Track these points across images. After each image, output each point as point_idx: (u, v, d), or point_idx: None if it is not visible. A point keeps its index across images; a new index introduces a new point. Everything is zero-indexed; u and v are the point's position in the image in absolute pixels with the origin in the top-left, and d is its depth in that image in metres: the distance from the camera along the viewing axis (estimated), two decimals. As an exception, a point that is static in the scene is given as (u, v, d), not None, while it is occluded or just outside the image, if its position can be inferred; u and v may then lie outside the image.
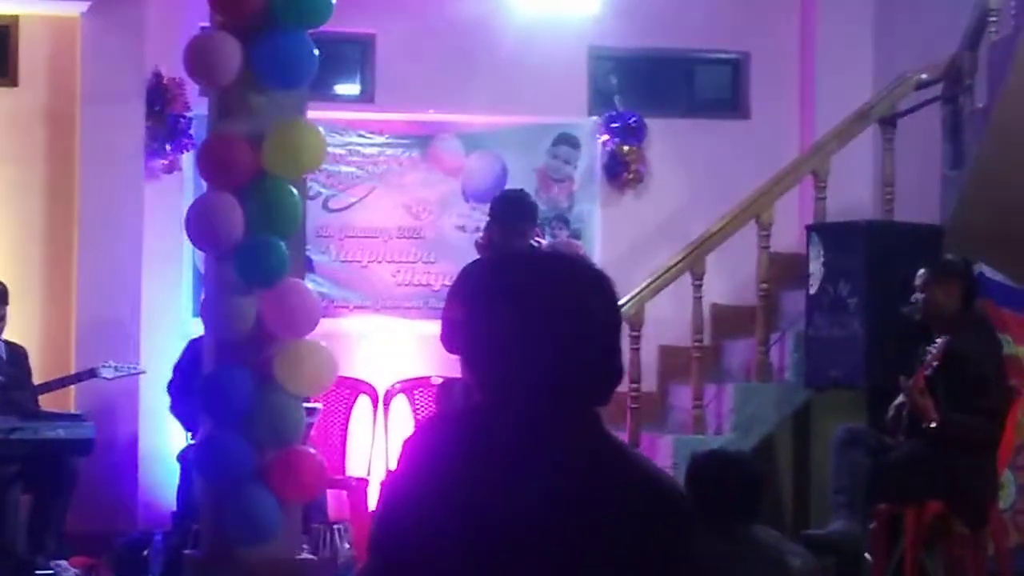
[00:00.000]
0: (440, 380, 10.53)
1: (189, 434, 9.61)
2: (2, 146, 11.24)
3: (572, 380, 3.01)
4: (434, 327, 10.15)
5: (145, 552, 9.90)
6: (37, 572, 9.07)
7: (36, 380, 10.13)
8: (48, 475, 9.33)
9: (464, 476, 3.01)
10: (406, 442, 3.24)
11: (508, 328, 3.05)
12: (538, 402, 3.01)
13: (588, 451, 3.01)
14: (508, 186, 11.41)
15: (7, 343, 10.02)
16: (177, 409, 9.88)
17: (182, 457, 9.56)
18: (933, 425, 8.66)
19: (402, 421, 11.15)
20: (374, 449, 11.11)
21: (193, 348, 9.34)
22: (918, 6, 11.89)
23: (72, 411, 10.12)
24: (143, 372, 10.65)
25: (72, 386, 10.42)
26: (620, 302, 8.61)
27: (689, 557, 3.05)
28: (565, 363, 3.01)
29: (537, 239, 10.00)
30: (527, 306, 3.05)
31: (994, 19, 10.39)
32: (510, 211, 9.56)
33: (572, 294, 3.07)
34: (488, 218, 9.80)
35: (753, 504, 6.39)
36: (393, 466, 9.99)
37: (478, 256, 9.68)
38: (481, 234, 9.93)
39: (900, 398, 8.88)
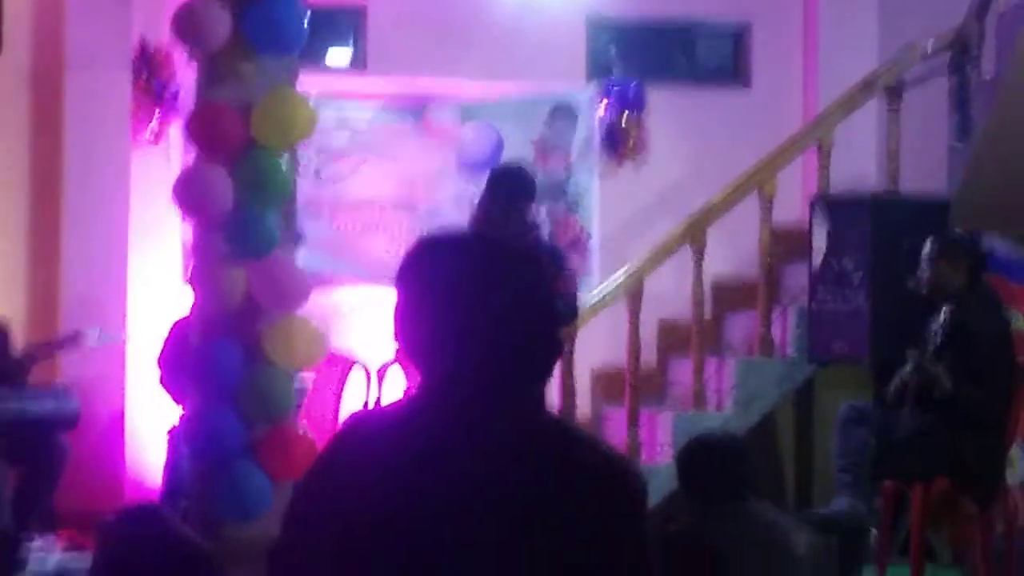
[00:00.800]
0: None
1: (180, 408, 9.36)
2: None
3: (508, 360, 3.03)
4: None
5: None
6: (23, 546, 9.05)
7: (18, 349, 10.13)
8: (34, 450, 9.33)
9: (401, 465, 3.01)
10: (337, 434, 3.27)
11: (441, 313, 3.06)
12: (475, 385, 3.03)
13: (528, 432, 3.02)
14: (505, 157, 11.42)
15: None
16: (167, 383, 9.74)
17: (171, 432, 9.53)
18: (941, 395, 8.64)
19: (395, 393, 11.01)
20: None
21: (182, 322, 9.12)
22: None
23: (58, 385, 10.11)
24: (124, 338, 10.71)
25: (58, 360, 10.51)
26: (616, 277, 9.81)
27: (639, 534, 3.02)
28: (499, 344, 3.03)
29: (534, 218, 10.04)
30: (458, 290, 3.07)
31: None
32: (508, 187, 9.64)
33: (502, 274, 3.09)
34: (483, 190, 9.83)
35: (738, 481, 6.43)
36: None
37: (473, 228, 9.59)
38: (476, 209, 9.92)
39: (907, 367, 8.82)
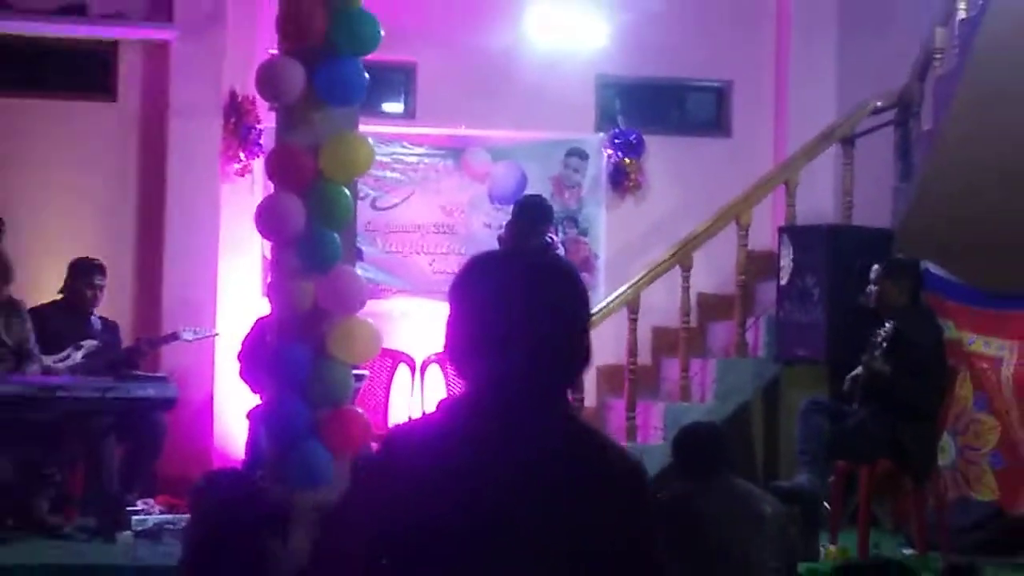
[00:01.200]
0: None
1: (257, 396, 9.33)
2: (102, 152, 11.29)
3: (547, 367, 2.94)
4: None
5: None
6: (128, 509, 8.95)
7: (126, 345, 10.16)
8: (138, 428, 9.27)
9: (448, 473, 2.88)
10: (384, 445, 3.10)
11: (488, 322, 2.96)
12: (515, 390, 2.93)
13: (560, 430, 2.94)
14: (528, 191, 11.38)
15: (102, 319, 10.02)
16: (245, 375, 9.76)
17: (250, 415, 9.57)
18: (886, 389, 8.76)
19: (435, 386, 11.21)
20: (411, 409, 11.12)
21: (260, 324, 9.27)
22: (874, 43, 11.81)
23: (159, 374, 9.98)
24: (217, 335, 10.74)
25: (160, 353, 10.50)
26: (618, 290, 9.05)
27: (647, 514, 2.99)
28: (540, 352, 2.93)
29: (551, 236, 10.00)
30: (503, 301, 2.96)
31: (939, 56, 10.42)
32: (530, 213, 9.65)
33: (543, 287, 2.99)
34: (510, 217, 9.75)
35: (719, 459, 6.60)
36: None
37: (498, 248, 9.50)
38: (503, 230, 9.83)
39: (856, 371, 8.93)
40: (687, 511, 6.44)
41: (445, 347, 3.02)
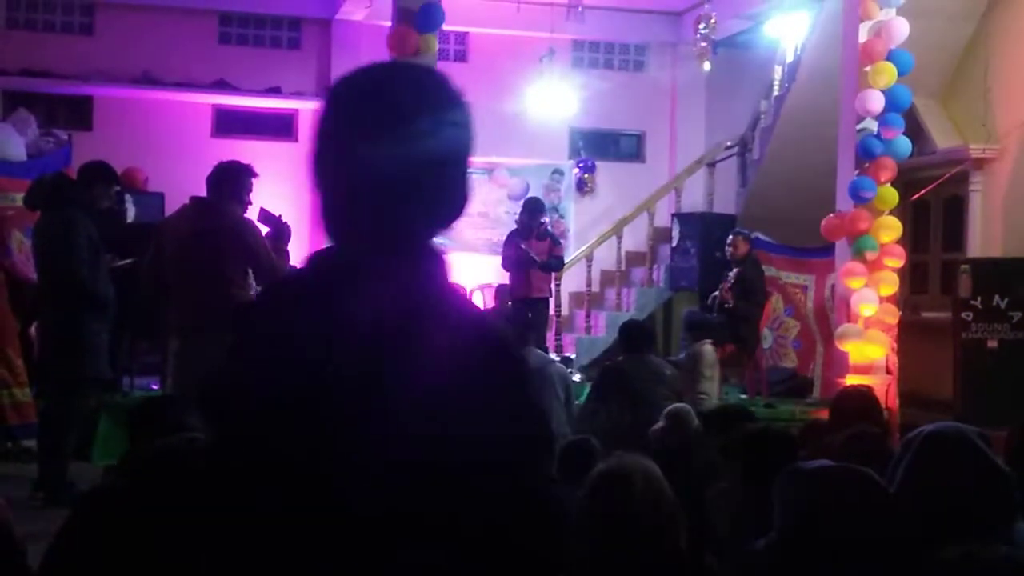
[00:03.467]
0: (496, 285, 10.31)
1: None
2: (289, 173, 10.60)
3: (401, 207, 1.48)
4: (493, 260, 10.12)
5: None
6: None
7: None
8: None
9: (299, 327, 1.45)
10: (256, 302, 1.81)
11: (347, 144, 1.50)
12: (363, 233, 1.49)
13: (416, 289, 1.48)
14: (530, 195, 10.93)
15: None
16: None
17: None
18: (729, 305, 8.62)
19: (478, 304, 11.02)
20: None
21: None
22: (727, 107, 11.41)
23: None
24: None
25: None
26: (580, 249, 9.00)
27: (522, 388, 1.47)
28: (393, 190, 1.47)
29: (544, 220, 9.67)
30: (365, 113, 1.48)
31: (763, 115, 10.41)
32: (532, 207, 9.38)
33: (408, 111, 1.48)
34: (521, 209, 9.54)
35: (646, 342, 6.55)
36: None
37: (516, 228, 9.40)
38: (516, 218, 9.55)
39: (715, 293, 8.82)
40: (619, 371, 6.29)
41: (313, 186, 1.53)
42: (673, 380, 6.38)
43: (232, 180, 5.43)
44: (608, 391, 6.18)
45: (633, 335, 6.51)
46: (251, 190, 5.48)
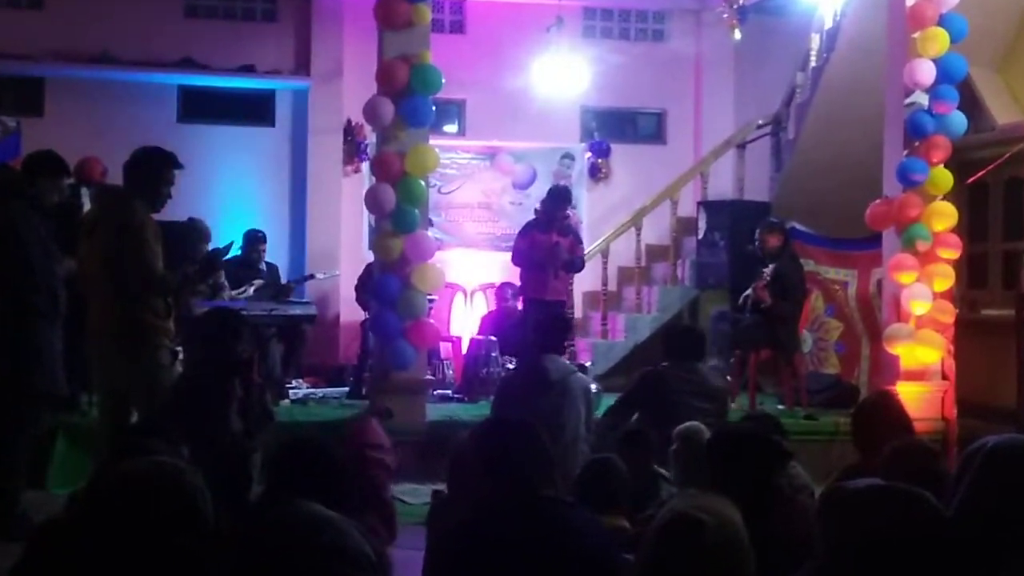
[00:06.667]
0: (500, 284, 10.43)
1: (366, 313, 9.19)
2: (265, 159, 11.17)
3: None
4: (497, 256, 10.28)
5: (343, 374, 9.85)
6: (287, 385, 8.92)
7: (283, 281, 9.95)
8: (292, 334, 9.15)
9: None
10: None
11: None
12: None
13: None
14: (536, 183, 11.11)
15: (268, 263, 9.82)
16: (359, 300, 9.67)
17: (363, 324, 9.38)
18: (766, 305, 8.61)
19: (480, 306, 11.13)
20: (464, 321, 11.04)
21: (368, 267, 9.15)
22: (758, 82, 11.51)
23: (305, 300, 9.86)
24: (339, 274, 10.52)
25: (305, 284, 10.28)
26: (595, 243, 9.15)
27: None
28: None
29: (570, 211, 9.76)
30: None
31: (799, 90, 10.36)
32: (557, 197, 9.30)
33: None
34: (544, 197, 9.47)
35: (695, 348, 6.33)
36: (475, 332, 10.23)
37: (535, 217, 9.40)
38: (538, 207, 9.51)
39: (747, 292, 8.78)
40: (660, 379, 6.17)
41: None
42: (721, 395, 6.30)
43: (140, 171, 5.52)
44: (639, 400, 6.11)
45: (680, 340, 6.44)
46: (168, 183, 5.54)
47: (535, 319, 7.31)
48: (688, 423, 4.93)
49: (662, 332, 6.72)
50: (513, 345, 8.88)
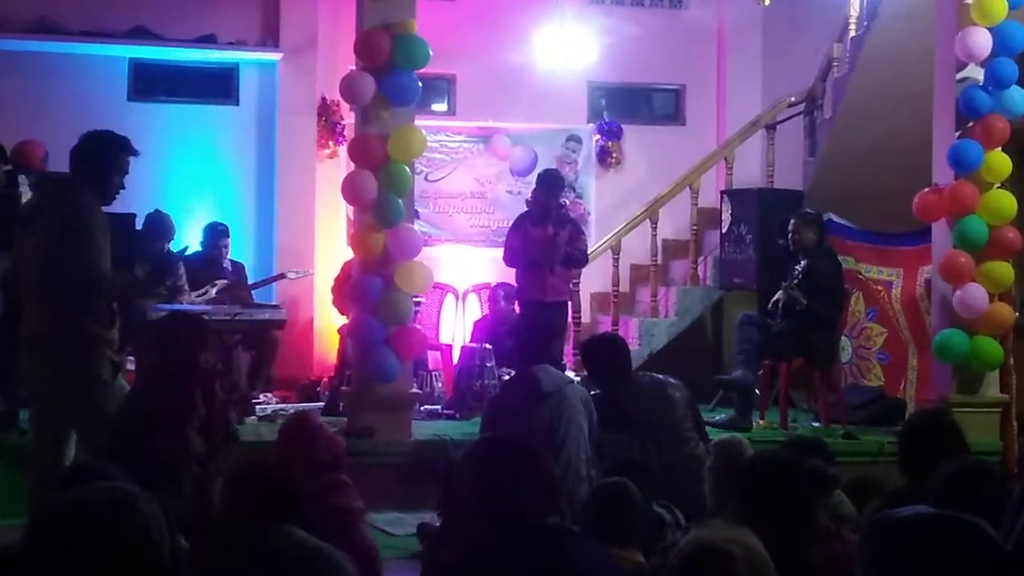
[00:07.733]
0: (495, 284, 10.42)
1: (344, 317, 9.29)
2: (228, 142, 11.14)
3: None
4: (492, 253, 10.24)
5: (318, 388, 9.86)
6: (254, 400, 8.87)
7: (250, 281, 10.07)
8: (259, 341, 9.10)
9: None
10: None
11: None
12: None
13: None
14: (538, 168, 10.89)
15: (232, 261, 9.89)
16: (336, 303, 9.69)
17: (340, 330, 9.42)
18: (801, 307, 8.60)
19: (473, 310, 11.16)
20: (456, 327, 11.10)
21: (346, 266, 9.21)
22: (789, 54, 11.50)
23: (274, 303, 9.97)
24: (314, 273, 10.59)
25: (273, 285, 10.38)
26: (605, 238, 9.10)
27: None
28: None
29: (564, 200, 9.78)
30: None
31: (836, 63, 10.35)
32: (549, 182, 9.27)
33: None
34: (535, 185, 9.46)
35: (619, 364, 6.46)
36: (467, 340, 10.23)
37: (527, 209, 9.39)
38: (530, 195, 9.51)
39: (778, 294, 8.85)
40: (612, 405, 6.31)
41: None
42: (685, 402, 6.42)
43: (88, 157, 5.53)
44: (615, 426, 6.21)
45: (601, 363, 6.50)
46: (121, 171, 5.56)
47: (517, 324, 7.30)
48: (729, 435, 4.90)
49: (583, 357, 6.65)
50: (509, 354, 8.87)
